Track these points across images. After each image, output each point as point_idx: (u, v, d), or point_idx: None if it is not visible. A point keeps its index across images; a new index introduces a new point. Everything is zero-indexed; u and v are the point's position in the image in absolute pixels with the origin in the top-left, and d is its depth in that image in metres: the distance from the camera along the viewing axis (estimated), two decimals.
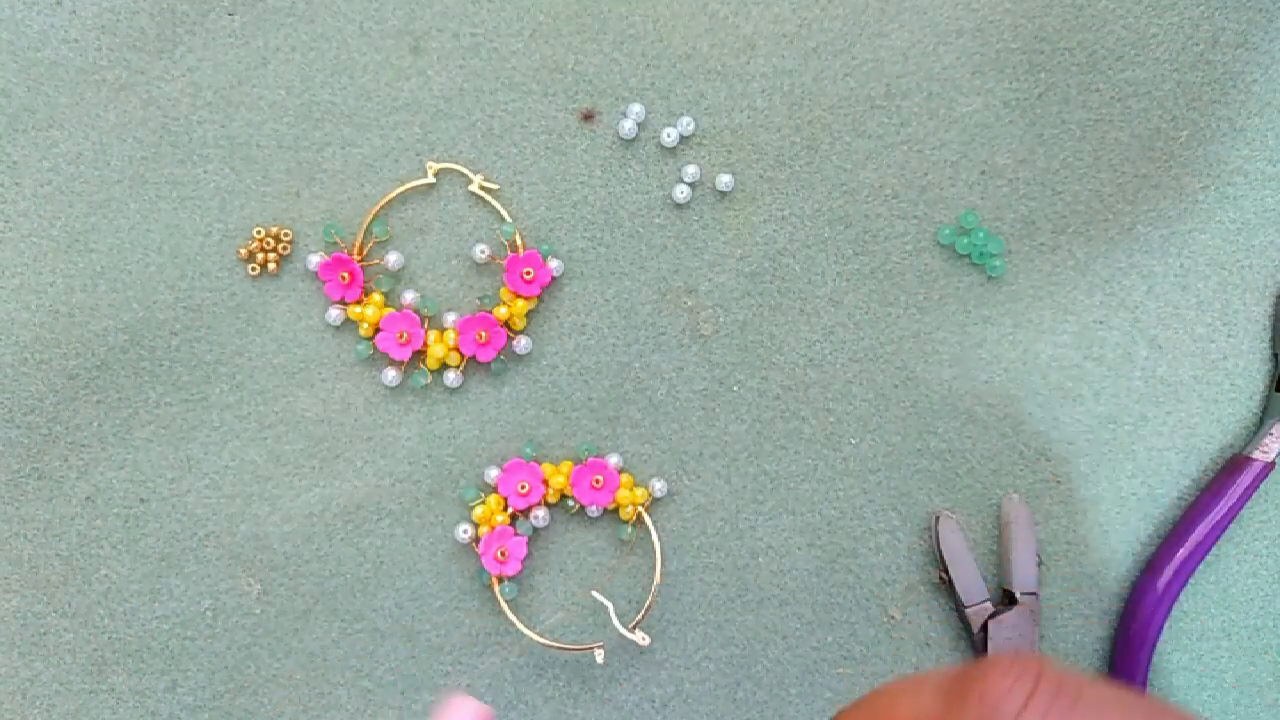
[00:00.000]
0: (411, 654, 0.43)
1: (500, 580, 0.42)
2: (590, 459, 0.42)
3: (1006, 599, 0.43)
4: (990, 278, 0.43)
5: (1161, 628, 0.42)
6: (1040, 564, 0.43)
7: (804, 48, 0.42)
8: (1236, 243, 0.43)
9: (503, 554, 0.42)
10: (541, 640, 0.42)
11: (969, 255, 0.43)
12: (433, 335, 0.42)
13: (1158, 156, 0.43)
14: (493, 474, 0.42)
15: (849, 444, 0.43)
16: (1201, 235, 0.43)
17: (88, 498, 0.43)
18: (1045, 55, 0.42)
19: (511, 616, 0.42)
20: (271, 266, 0.42)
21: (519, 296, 0.42)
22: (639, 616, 0.42)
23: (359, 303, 0.42)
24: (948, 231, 0.42)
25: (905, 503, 0.43)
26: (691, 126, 0.42)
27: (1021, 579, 0.42)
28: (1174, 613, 0.43)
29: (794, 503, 0.43)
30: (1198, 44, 0.43)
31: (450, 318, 0.42)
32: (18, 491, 0.42)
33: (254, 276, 0.42)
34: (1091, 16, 0.42)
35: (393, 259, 0.42)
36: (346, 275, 0.42)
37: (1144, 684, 0.42)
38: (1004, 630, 0.42)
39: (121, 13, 0.42)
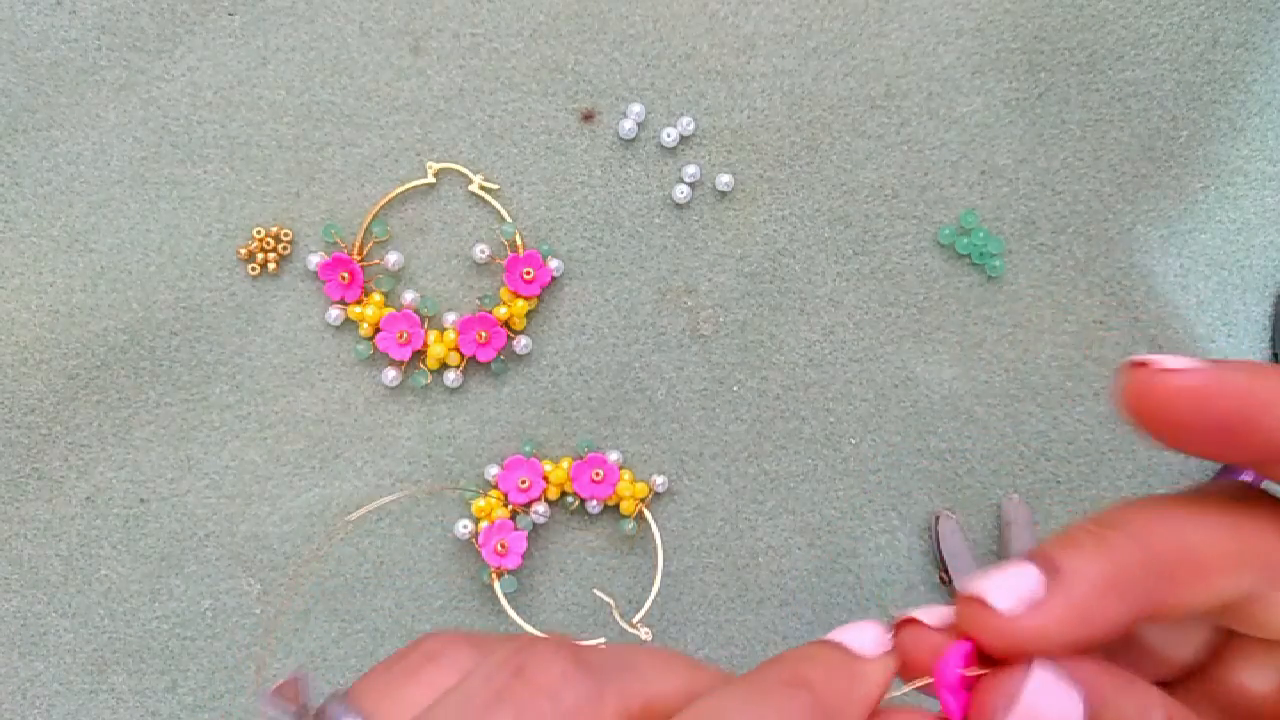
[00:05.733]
0: None
1: (500, 574, 0.42)
2: (590, 454, 0.42)
3: None
4: (990, 278, 0.43)
5: None
6: None
7: (804, 48, 0.42)
8: (1236, 243, 0.43)
9: (502, 547, 0.42)
10: (541, 636, 0.42)
11: (969, 255, 0.43)
12: (433, 335, 0.42)
13: (1158, 156, 0.43)
14: (493, 471, 0.42)
15: (849, 444, 0.43)
16: (1201, 235, 0.43)
17: (88, 498, 0.43)
18: (1045, 55, 0.42)
19: (510, 611, 0.42)
20: (271, 266, 0.42)
21: (519, 296, 0.42)
22: (641, 612, 0.42)
23: (359, 303, 0.42)
24: (948, 231, 0.42)
25: (905, 503, 0.43)
26: (691, 126, 0.42)
27: None
28: None
29: (794, 503, 0.43)
30: (1198, 44, 0.43)
31: (450, 318, 0.42)
32: (18, 491, 0.42)
33: (254, 276, 0.42)
34: (1091, 16, 0.42)
35: (393, 259, 0.42)
36: (346, 275, 0.42)
37: None
38: None
39: (121, 13, 0.42)
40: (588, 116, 0.43)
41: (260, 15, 0.42)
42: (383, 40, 0.42)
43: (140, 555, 0.43)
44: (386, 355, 0.42)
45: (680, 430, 0.43)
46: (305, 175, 0.42)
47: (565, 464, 0.42)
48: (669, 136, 0.42)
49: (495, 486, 0.42)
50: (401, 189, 0.42)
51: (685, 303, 0.43)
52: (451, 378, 0.43)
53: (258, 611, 0.43)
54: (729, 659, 0.43)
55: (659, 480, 0.43)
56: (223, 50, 0.42)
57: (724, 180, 0.42)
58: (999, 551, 0.43)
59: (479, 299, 0.43)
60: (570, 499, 0.42)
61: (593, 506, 0.42)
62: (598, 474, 0.42)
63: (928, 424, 0.43)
